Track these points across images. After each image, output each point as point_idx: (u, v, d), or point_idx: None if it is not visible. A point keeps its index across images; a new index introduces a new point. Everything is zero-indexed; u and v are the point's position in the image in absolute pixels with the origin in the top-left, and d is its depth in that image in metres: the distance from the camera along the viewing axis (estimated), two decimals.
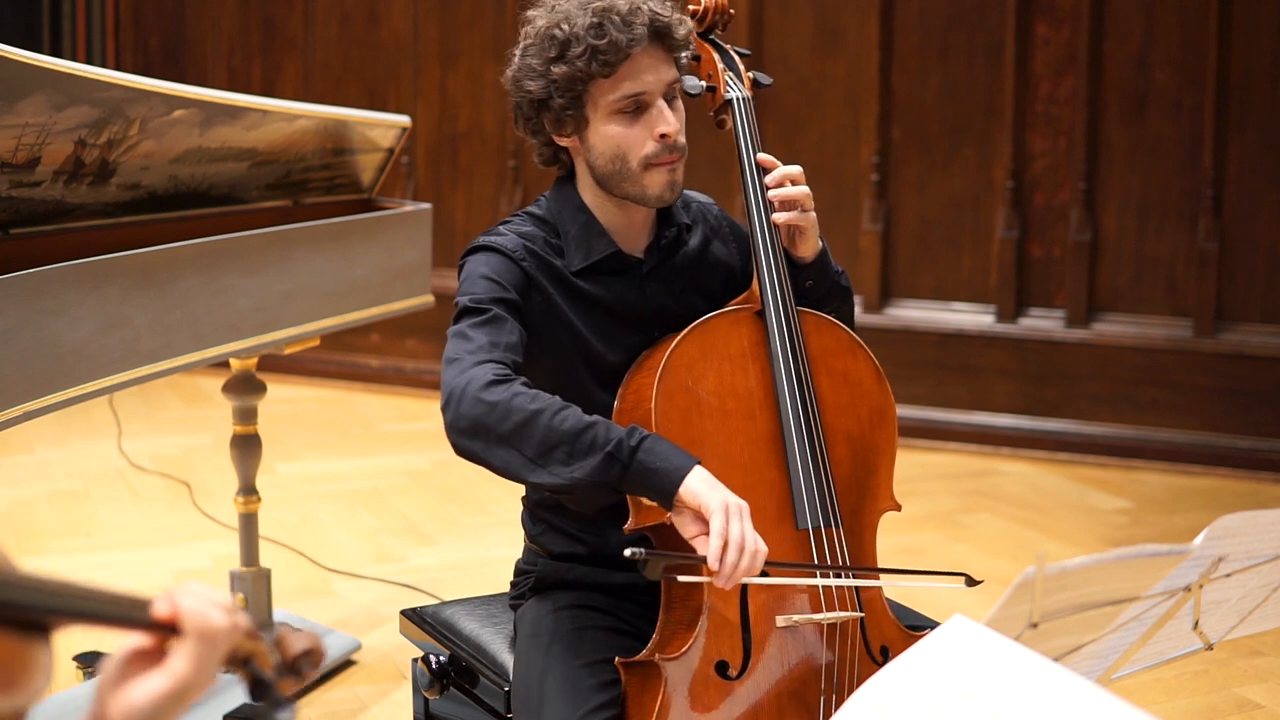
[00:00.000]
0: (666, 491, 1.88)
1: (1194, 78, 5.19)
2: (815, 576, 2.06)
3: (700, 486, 1.86)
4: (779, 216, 2.20)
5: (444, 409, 1.97)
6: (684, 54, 2.17)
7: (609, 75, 2.08)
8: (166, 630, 1.14)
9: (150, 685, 1.12)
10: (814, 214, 2.23)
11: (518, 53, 2.17)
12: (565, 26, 2.08)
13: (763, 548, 1.86)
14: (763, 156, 2.24)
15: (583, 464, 1.89)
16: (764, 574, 1.95)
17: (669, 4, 2.15)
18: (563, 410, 1.91)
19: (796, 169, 2.23)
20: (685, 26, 2.16)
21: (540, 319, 2.14)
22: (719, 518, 1.84)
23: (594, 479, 1.89)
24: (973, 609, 1.56)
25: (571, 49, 2.08)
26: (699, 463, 1.89)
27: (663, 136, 2.11)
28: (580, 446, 1.89)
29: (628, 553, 1.82)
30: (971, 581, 2.02)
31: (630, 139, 2.12)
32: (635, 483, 1.90)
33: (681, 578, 1.91)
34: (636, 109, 2.11)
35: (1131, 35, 5.27)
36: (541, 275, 2.15)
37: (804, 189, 2.21)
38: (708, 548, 1.85)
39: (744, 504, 1.87)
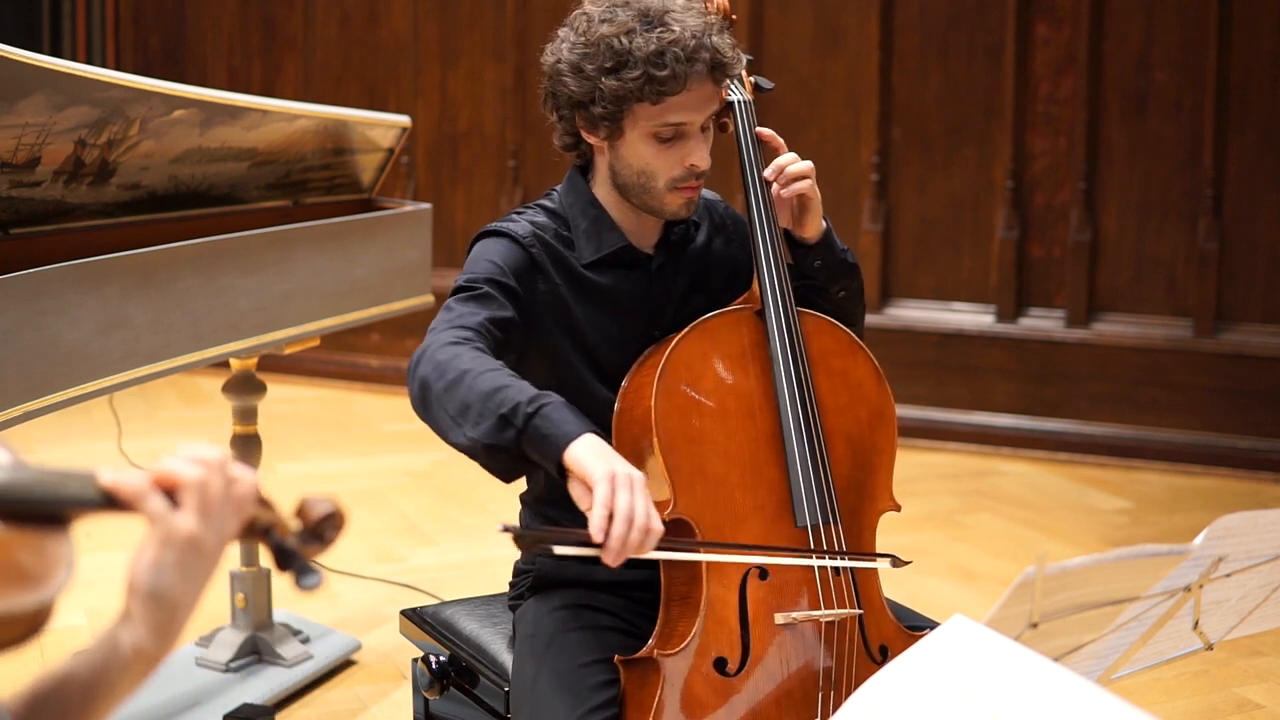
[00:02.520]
0: (553, 458, 1.80)
1: (1194, 78, 5.19)
2: (750, 555, 2.02)
3: (585, 454, 1.77)
4: (790, 189, 2.20)
5: (407, 373, 1.98)
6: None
7: (657, 104, 2.08)
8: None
9: (143, 553, 1.12)
10: (817, 192, 2.23)
11: (564, 44, 2.14)
12: (625, 41, 2.06)
13: (656, 525, 1.76)
14: (763, 131, 2.25)
15: (484, 425, 1.83)
16: (688, 551, 1.95)
17: (728, 37, 2.14)
18: (488, 372, 1.87)
19: (792, 156, 2.23)
20: (741, 63, 2.16)
21: (545, 307, 2.15)
22: (603, 487, 1.74)
23: (489, 441, 1.83)
24: (973, 609, 1.56)
25: (628, 69, 2.06)
26: (594, 431, 1.81)
27: (692, 166, 2.12)
28: (489, 407, 1.83)
29: (499, 528, 1.74)
30: (898, 562, 2.05)
31: (661, 162, 2.12)
32: (530, 448, 1.82)
33: (560, 549, 1.79)
34: (674, 136, 2.11)
35: (1131, 35, 5.27)
36: (550, 263, 2.16)
37: (806, 164, 2.21)
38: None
39: (637, 474, 1.77)
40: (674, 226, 2.26)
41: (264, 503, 1.22)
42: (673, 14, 2.08)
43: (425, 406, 1.93)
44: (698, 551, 2.00)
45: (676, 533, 2.05)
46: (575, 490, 1.80)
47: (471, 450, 1.87)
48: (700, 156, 2.12)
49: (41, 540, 1.07)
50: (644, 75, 2.05)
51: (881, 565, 2.08)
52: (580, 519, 2.22)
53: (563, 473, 1.81)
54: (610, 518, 1.74)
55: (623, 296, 2.20)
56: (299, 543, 1.23)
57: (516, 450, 1.83)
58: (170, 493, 1.15)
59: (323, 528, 1.25)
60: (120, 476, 1.13)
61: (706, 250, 2.30)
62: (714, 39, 2.08)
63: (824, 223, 2.26)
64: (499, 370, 1.88)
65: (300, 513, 1.25)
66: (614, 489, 1.75)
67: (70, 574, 1.07)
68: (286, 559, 1.21)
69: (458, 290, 2.09)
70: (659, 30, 2.06)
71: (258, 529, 1.21)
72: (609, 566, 1.77)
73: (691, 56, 2.06)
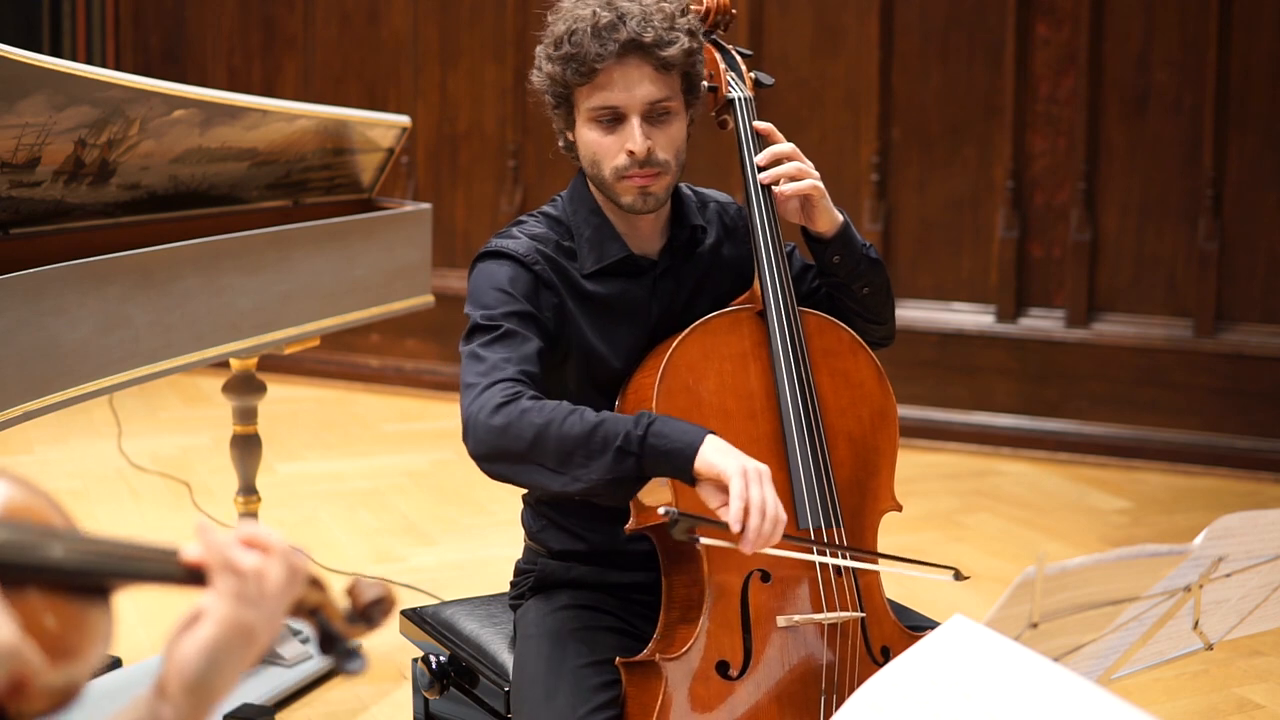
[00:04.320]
0: (684, 469, 1.88)
1: (1194, 78, 5.19)
2: (815, 554, 2.05)
3: (715, 455, 1.86)
4: (788, 187, 2.18)
5: (464, 440, 2.00)
6: (682, 69, 2.12)
7: (583, 85, 2.09)
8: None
9: (196, 635, 1.10)
10: (822, 186, 2.21)
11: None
12: (562, 26, 2.10)
13: (783, 515, 1.86)
14: (761, 124, 2.23)
15: (599, 464, 1.90)
16: (802, 550, 2.00)
17: (669, 21, 2.10)
18: (569, 416, 1.92)
19: (788, 146, 2.21)
20: (679, 46, 2.09)
21: (553, 319, 2.14)
22: (738, 481, 1.84)
23: (613, 476, 1.90)
24: (973, 609, 1.56)
25: (558, 50, 2.10)
26: (710, 432, 1.89)
27: (630, 154, 2.10)
28: (594, 447, 1.90)
29: (660, 510, 1.83)
30: (960, 576, 2.03)
31: (603, 148, 2.12)
32: (654, 468, 1.90)
33: (706, 540, 1.90)
34: (614, 119, 2.10)
35: (1131, 35, 5.27)
36: (555, 277, 2.15)
37: (796, 164, 2.19)
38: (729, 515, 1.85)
39: (764, 468, 1.87)
40: (678, 232, 2.25)
41: (315, 583, 1.21)
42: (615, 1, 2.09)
43: (507, 469, 1.98)
44: (811, 552, 2.04)
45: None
46: (705, 491, 1.88)
47: (590, 491, 1.93)
48: (635, 142, 2.09)
49: (82, 612, 1.04)
50: (565, 55, 2.08)
51: (944, 577, 2.03)
52: (571, 515, 2.22)
53: (690, 479, 1.89)
54: (746, 510, 1.83)
55: (626, 305, 2.19)
56: (346, 624, 1.23)
57: (638, 475, 1.91)
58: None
59: (372, 611, 1.24)
60: (208, 542, 1.12)
61: (715, 255, 2.28)
62: (636, 21, 2.06)
63: (840, 216, 2.24)
64: (575, 410, 1.93)
65: (350, 593, 1.24)
66: (747, 483, 1.84)
67: (107, 648, 1.05)
68: (331, 643, 1.21)
69: (476, 330, 2.08)
70: (590, 9, 2.08)
71: (305, 609, 1.20)
72: (745, 554, 1.87)
73: (603, 34, 2.06)
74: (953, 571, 2.03)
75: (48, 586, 1.03)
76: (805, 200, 2.20)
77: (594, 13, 2.07)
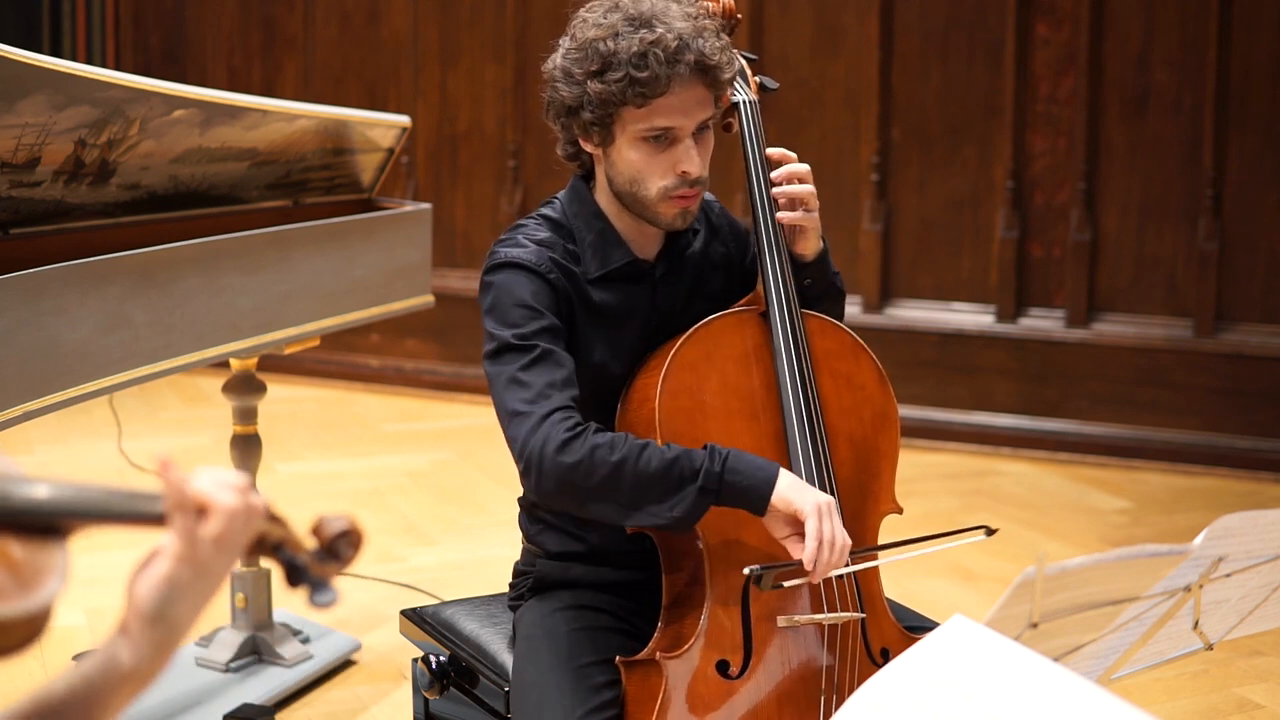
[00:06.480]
0: (759, 505, 1.97)
1: (1194, 78, 5.19)
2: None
3: (790, 493, 1.96)
4: (783, 215, 2.19)
5: (524, 474, 2.01)
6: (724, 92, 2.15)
7: (642, 106, 2.06)
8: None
9: (153, 572, 1.13)
10: (817, 215, 2.22)
11: (560, 50, 2.14)
12: (610, 44, 2.04)
13: (847, 540, 1.97)
14: (773, 151, 2.23)
15: (677, 500, 1.96)
16: (870, 560, 2.11)
17: (722, 41, 2.11)
18: (643, 453, 1.97)
19: (804, 168, 2.22)
20: (734, 68, 2.13)
21: (566, 328, 2.14)
22: (814, 521, 1.94)
23: (696, 514, 1.97)
24: (973, 609, 1.56)
25: (611, 71, 2.04)
26: (779, 468, 1.97)
27: (683, 173, 2.10)
28: (670, 485, 1.96)
29: (745, 571, 1.94)
30: (990, 531, 2.06)
31: (651, 168, 2.10)
32: (729, 502, 1.98)
33: (788, 583, 1.99)
34: (663, 139, 2.09)
35: (1131, 35, 5.27)
36: (566, 283, 2.15)
37: (809, 188, 2.20)
38: (798, 548, 1.95)
39: (831, 500, 1.97)
40: (675, 236, 2.24)
41: (274, 519, 1.21)
42: (660, 17, 2.06)
43: (574, 503, 2.02)
44: (877, 558, 2.13)
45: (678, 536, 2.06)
46: (775, 522, 1.98)
47: (668, 525, 1.99)
48: (692, 163, 2.09)
49: (36, 548, 1.07)
50: (626, 77, 2.03)
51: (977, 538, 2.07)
52: (567, 516, 2.22)
53: (763, 512, 1.98)
54: (820, 547, 1.94)
55: (629, 310, 2.19)
56: (314, 561, 1.22)
57: (715, 506, 1.99)
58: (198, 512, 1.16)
59: (338, 545, 1.23)
60: (170, 487, 1.14)
61: (705, 255, 2.28)
62: (700, 42, 2.05)
63: (822, 243, 2.26)
64: (645, 444, 1.98)
65: (316, 530, 1.24)
66: (821, 520, 1.95)
67: (64, 584, 1.07)
68: (297, 575, 1.20)
69: (509, 349, 2.06)
70: (643, 32, 2.04)
71: (267, 545, 1.20)
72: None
73: (674, 58, 2.03)
74: (983, 530, 2.06)
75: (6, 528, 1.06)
76: (798, 228, 2.21)
77: (659, 36, 2.03)
